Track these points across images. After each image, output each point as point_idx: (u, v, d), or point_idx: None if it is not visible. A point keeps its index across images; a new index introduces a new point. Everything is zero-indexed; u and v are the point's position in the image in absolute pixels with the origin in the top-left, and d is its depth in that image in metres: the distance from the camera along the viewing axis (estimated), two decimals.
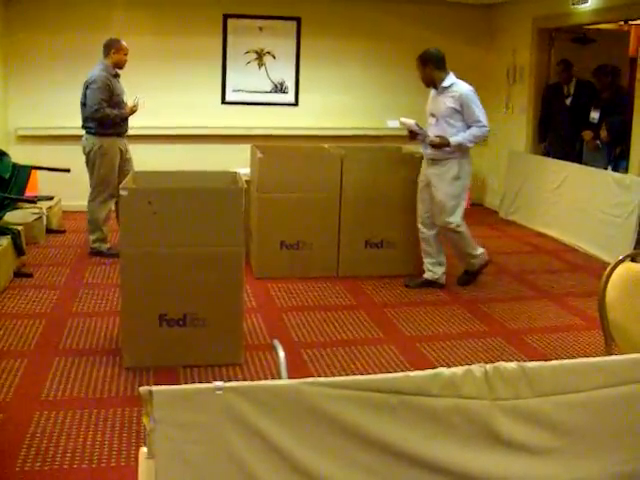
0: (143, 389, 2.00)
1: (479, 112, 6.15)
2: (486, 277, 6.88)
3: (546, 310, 6.07)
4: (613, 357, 2.61)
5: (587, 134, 8.29)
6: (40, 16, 9.01)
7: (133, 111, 7.19)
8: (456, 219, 6.31)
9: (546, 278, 6.97)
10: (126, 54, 7.15)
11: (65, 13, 9.05)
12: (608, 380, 2.43)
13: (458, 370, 2.28)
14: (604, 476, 2.41)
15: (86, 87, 7.01)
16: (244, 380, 4.34)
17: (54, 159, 8.32)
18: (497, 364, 2.32)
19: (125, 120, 7.19)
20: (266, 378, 4.45)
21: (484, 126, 6.17)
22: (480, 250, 6.56)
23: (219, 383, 2.06)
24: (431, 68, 6.20)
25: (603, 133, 8.20)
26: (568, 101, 8.85)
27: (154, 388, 2.00)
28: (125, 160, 7.27)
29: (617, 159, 8.10)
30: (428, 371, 2.25)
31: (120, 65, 7.15)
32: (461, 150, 6.20)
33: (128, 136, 7.45)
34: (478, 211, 10.24)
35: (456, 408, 2.26)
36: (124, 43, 7.14)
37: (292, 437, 2.10)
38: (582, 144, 8.47)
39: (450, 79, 6.21)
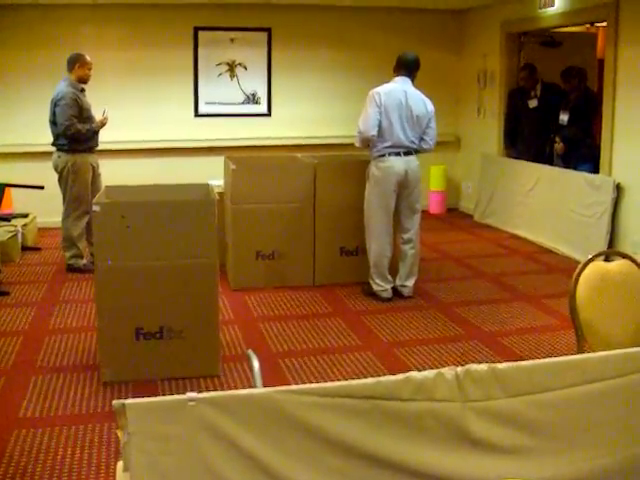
0: (116, 402, 2.01)
1: (362, 115, 6.18)
2: (462, 281, 6.94)
3: (521, 311, 6.12)
4: (583, 355, 2.64)
5: (559, 148, 8.34)
6: (9, 32, 8.98)
7: (103, 124, 7.18)
8: (366, 234, 6.41)
9: (521, 280, 7.02)
10: (90, 69, 7.11)
11: (34, 29, 9.03)
12: (578, 378, 2.47)
13: (429, 373, 2.30)
14: (577, 473, 2.44)
15: (54, 104, 6.96)
16: (222, 391, 4.35)
17: (27, 176, 8.29)
18: (468, 366, 2.34)
19: (96, 134, 7.17)
20: (244, 388, 4.46)
21: (358, 128, 6.19)
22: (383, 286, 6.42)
23: (192, 394, 2.07)
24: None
25: (558, 145, 8.31)
26: (532, 104, 8.92)
27: (127, 401, 2.01)
28: (96, 176, 7.25)
29: (576, 165, 8.17)
30: (399, 375, 2.27)
31: (84, 80, 7.11)
32: (371, 151, 6.27)
33: (101, 151, 7.45)
34: (453, 215, 10.30)
35: (428, 411, 2.29)
36: (88, 58, 7.10)
37: (266, 445, 2.12)
38: (552, 146, 8.53)
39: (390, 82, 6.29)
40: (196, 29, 9.59)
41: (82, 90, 7.10)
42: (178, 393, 4.38)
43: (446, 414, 2.30)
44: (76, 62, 7.05)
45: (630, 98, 7.27)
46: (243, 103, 9.90)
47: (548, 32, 9.29)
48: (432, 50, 10.04)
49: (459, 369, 2.33)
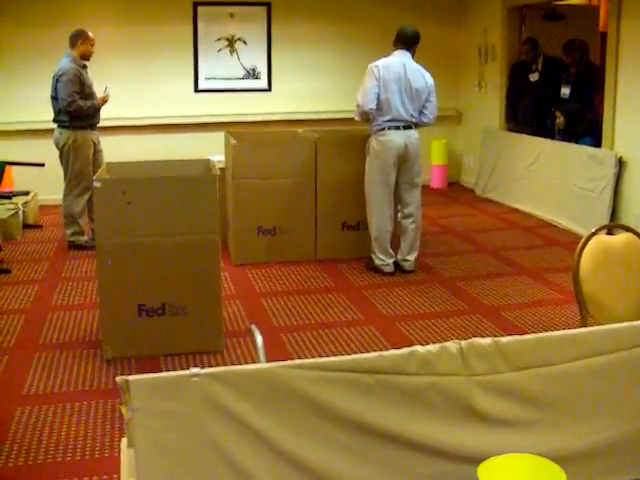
0: (120, 379, 2.01)
1: (361, 89, 6.19)
2: (464, 255, 6.94)
3: (523, 285, 6.11)
4: (586, 329, 2.64)
5: (560, 122, 8.30)
6: (6, 9, 8.91)
7: (105, 101, 7.15)
8: (367, 209, 6.40)
9: (523, 254, 7.01)
10: (93, 45, 7.08)
11: (32, 5, 8.95)
12: (582, 352, 2.46)
13: (433, 348, 2.30)
14: (580, 445, 2.45)
15: (56, 80, 6.93)
16: (226, 366, 4.35)
17: (27, 154, 8.25)
18: (472, 340, 2.34)
19: (97, 111, 7.15)
20: (247, 363, 4.46)
21: (357, 102, 6.21)
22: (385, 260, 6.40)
23: (195, 370, 2.07)
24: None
25: (560, 120, 8.26)
26: (533, 77, 8.88)
27: (131, 377, 2.01)
28: (97, 152, 7.23)
29: (577, 139, 8.13)
30: (403, 350, 2.27)
31: (87, 56, 7.08)
32: (371, 125, 6.28)
33: (102, 127, 7.42)
34: (455, 189, 10.27)
35: (432, 385, 2.29)
36: (91, 34, 7.07)
37: (270, 420, 2.12)
38: (554, 120, 8.49)
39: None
40: (195, 4, 9.51)
41: (84, 66, 7.07)
42: (181, 369, 4.39)
43: (450, 388, 2.30)
44: (79, 38, 7.01)
45: (632, 71, 7.21)
46: (243, 78, 9.84)
47: (550, 5, 9.22)
48: (433, 23, 9.97)
49: (463, 343, 2.32)
